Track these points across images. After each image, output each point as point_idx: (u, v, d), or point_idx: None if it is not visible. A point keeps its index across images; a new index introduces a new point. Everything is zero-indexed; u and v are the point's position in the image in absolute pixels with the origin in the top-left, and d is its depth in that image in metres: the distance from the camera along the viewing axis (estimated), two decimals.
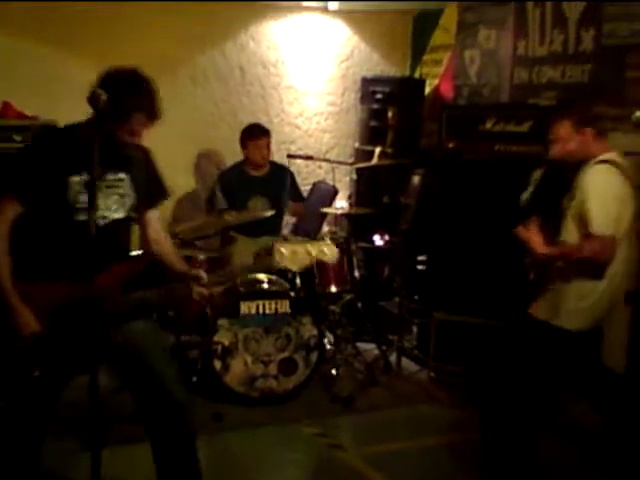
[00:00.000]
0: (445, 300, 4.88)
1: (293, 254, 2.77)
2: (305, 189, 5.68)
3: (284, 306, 4.37)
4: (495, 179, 4.61)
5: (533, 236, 3.07)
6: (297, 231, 5.48)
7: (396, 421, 4.31)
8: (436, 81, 6.17)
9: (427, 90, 6.14)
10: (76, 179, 2.67)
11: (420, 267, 5.27)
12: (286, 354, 4.37)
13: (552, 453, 3.53)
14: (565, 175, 3.19)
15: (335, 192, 5.61)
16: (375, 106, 5.94)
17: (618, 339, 3.16)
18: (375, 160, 5.30)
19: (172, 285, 2.85)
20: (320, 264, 4.69)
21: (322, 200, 5.50)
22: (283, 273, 4.51)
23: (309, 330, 4.41)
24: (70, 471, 3.37)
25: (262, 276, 4.51)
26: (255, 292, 4.39)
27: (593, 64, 4.56)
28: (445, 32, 6.06)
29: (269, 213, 4.77)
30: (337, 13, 6.17)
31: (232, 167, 5.32)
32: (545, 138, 3.32)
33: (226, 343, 4.25)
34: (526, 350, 3.18)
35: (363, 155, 5.83)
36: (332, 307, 4.81)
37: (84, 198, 2.63)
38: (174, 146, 5.69)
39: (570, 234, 3.08)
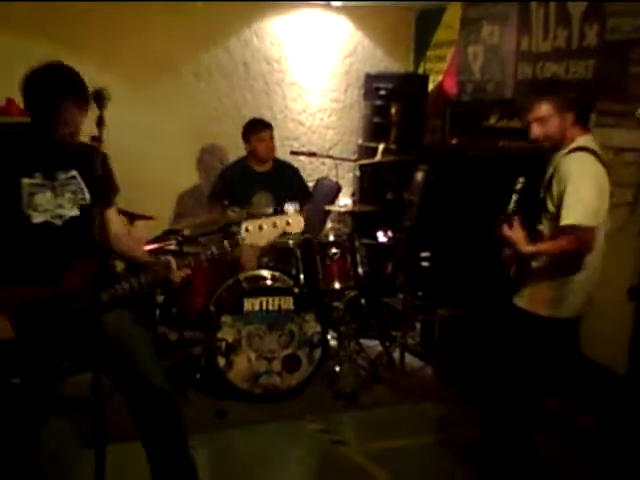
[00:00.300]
0: (449, 296, 4.88)
1: (259, 229, 2.75)
2: (308, 186, 5.67)
3: (287, 303, 4.36)
4: (499, 175, 4.58)
5: (517, 234, 3.05)
6: None
7: (399, 418, 4.31)
8: (440, 77, 6.15)
9: (430, 86, 6.12)
10: (27, 181, 2.69)
11: (424, 264, 5.25)
12: (290, 351, 4.37)
13: (546, 451, 3.53)
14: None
15: (338, 189, 5.61)
16: (378, 102, 5.94)
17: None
18: (378, 156, 5.28)
19: (153, 268, 2.80)
20: (324, 261, 4.73)
21: (325, 197, 5.49)
22: (287, 270, 4.51)
23: (312, 327, 4.41)
24: (73, 469, 3.37)
25: (266, 273, 4.51)
26: (259, 289, 4.39)
27: (597, 60, 4.54)
28: (448, 28, 6.04)
29: (272, 209, 4.76)
30: (340, 9, 6.18)
31: (235, 162, 5.29)
32: (523, 119, 3.14)
33: (230, 340, 4.26)
34: (511, 341, 3.19)
35: (366, 151, 5.83)
36: (336, 304, 4.80)
37: (39, 200, 2.68)
38: (177, 141, 5.71)
39: (549, 224, 3.06)
